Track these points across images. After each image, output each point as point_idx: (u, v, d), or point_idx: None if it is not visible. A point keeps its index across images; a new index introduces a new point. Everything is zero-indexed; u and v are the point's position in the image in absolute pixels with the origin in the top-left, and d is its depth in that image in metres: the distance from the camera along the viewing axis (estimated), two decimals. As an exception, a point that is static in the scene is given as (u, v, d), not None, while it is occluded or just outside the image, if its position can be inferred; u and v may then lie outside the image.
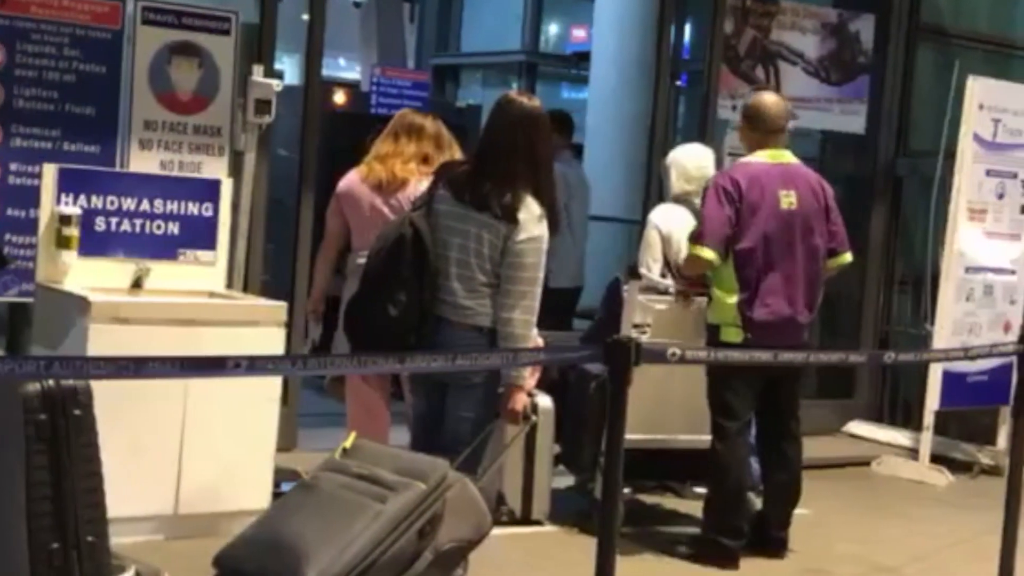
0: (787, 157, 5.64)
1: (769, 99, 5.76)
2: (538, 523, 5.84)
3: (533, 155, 4.55)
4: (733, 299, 5.49)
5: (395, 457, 4.12)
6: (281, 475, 5.69)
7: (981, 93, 7.49)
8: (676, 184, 6.17)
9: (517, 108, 4.62)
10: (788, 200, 5.52)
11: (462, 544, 3.96)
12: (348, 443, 4.14)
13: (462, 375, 4.47)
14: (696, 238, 5.52)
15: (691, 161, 6.16)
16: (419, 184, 5.41)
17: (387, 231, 4.66)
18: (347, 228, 5.65)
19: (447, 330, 4.52)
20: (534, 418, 4.62)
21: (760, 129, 5.67)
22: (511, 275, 4.49)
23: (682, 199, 6.14)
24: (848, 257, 5.76)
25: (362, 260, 5.41)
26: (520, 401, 4.56)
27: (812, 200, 5.57)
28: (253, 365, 3.49)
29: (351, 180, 5.63)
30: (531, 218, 4.50)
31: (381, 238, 4.64)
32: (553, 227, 4.58)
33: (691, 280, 5.86)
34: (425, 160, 5.55)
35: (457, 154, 5.58)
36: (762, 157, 5.61)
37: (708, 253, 5.46)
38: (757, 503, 5.78)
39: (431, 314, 4.52)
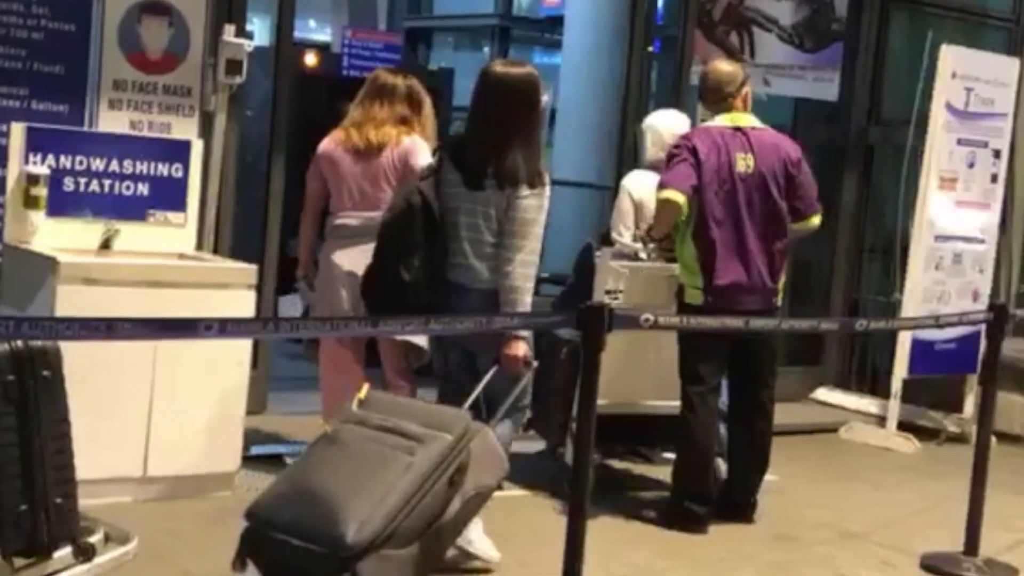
0: (747, 121, 5.63)
1: (714, 67, 5.80)
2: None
3: (528, 120, 4.71)
4: (695, 260, 5.53)
5: (415, 408, 4.21)
6: (251, 438, 5.69)
7: (954, 62, 7.50)
8: (651, 150, 6.17)
9: (507, 78, 4.74)
10: (745, 163, 5.53)
11: (485, 490, 4.06)
12: (362, 394, 4.19)
13: (488, 337, 4.59)
14: (662, 186, 5.52)
15: (667, 128, 6.14)
16: (398, 146, 5.47)
17: (396, 201, 4.81)
18: (326, 190, 5.64)
19: (458, 293, 4.65)
20: (535, 363, 4.69)
21: (709, 98, 5.72)
22: (511, 229, 4.62)
23: (656, 165, 6.12)
24: (816, 220, 5.74)
25: (340, 222, 5.51)
26: (520, 347, 4.61)
27: (773, 164, 5.56)
28: (224, 328, 3.46)
29: (329, 144, 5.62)
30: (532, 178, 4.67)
31: (390, 208, 4.80)
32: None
33: (660, 243, 5.89)
34: (403, 121, 5.56)
35: (430, 110, 5.65)
36: (721, 121, 5.63)
37: (676, 195, 5.43)
38: (723, 469, 5.81)
39: (442, 278, 4.65)
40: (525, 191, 4.62)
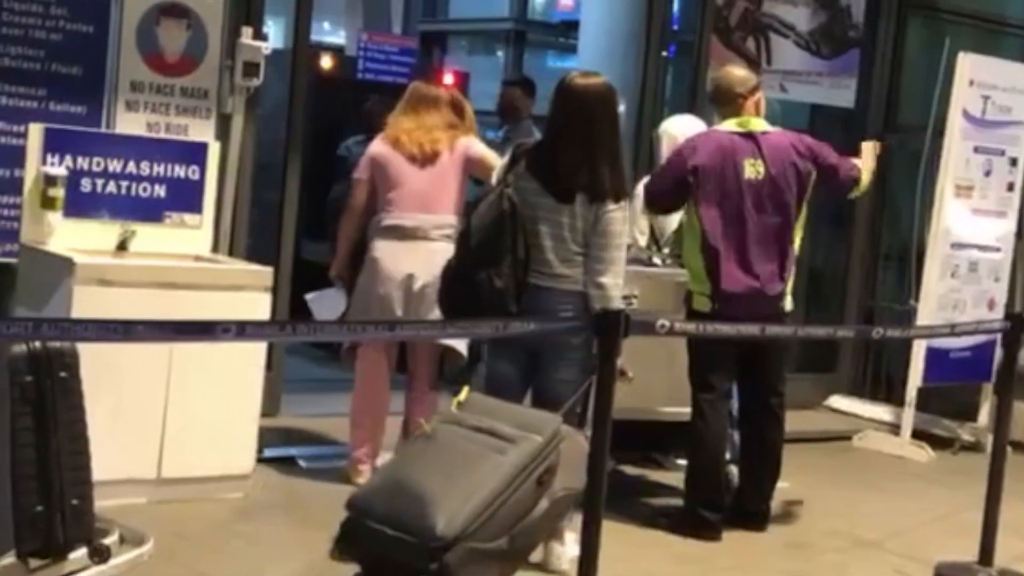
0: (757, 125, 5.63)
1: (726, 70, 5.86)
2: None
3: (611, 131, 4.82)
4: (701, 267, 5.52)
5: (508, 411, 4.34)
6: (265, 440, 5.68)
7: (971, 69, 7.48)
8: (666, 156, 6.15)
9: (592, 90, 4.83)
10: (754, 169, 5.52)
11: (573, 491, 4.14)
12: (462, 397, 4.34)
13: (562, 340, 4.72)
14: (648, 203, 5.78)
15: (683, 133, 6.10)
16: (454, 151, 5.58)
17: (482, 208, 4.81)
18: (374, 192, 5.66)
19: (545, 296, 4.74)
20: (631, 375, 4.72)
21: (718, 100, 5.75)
22: (602, 242, 4.74)
23: (671, 171, 6.12)
24: (864, 182, 5.77)
25: (393, 222, 5.57)
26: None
27: (784, 167, 5.55)
28: (242, 330, 3.46)
29: (382, 147, 5.68)
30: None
31: (477, 215, 4.81)
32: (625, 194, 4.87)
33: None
34: (452, 127, 5.67)
35: (472, 116, 5.76)
36: (730, 126, 5.63)
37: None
38: (736, 476, 5.79)
39: (527, 283, 4.73)
40: (612, 205, 4.75)
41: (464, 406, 4.30)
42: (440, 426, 4.25)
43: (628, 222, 4.84)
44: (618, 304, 4.74)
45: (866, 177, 5.79)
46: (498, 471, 4.00)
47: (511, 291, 4.69)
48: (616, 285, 4.78)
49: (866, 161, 5.86)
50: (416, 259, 5.49)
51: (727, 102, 5.66)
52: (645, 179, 6.33)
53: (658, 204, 5.76)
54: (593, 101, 4.81)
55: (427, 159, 5.61)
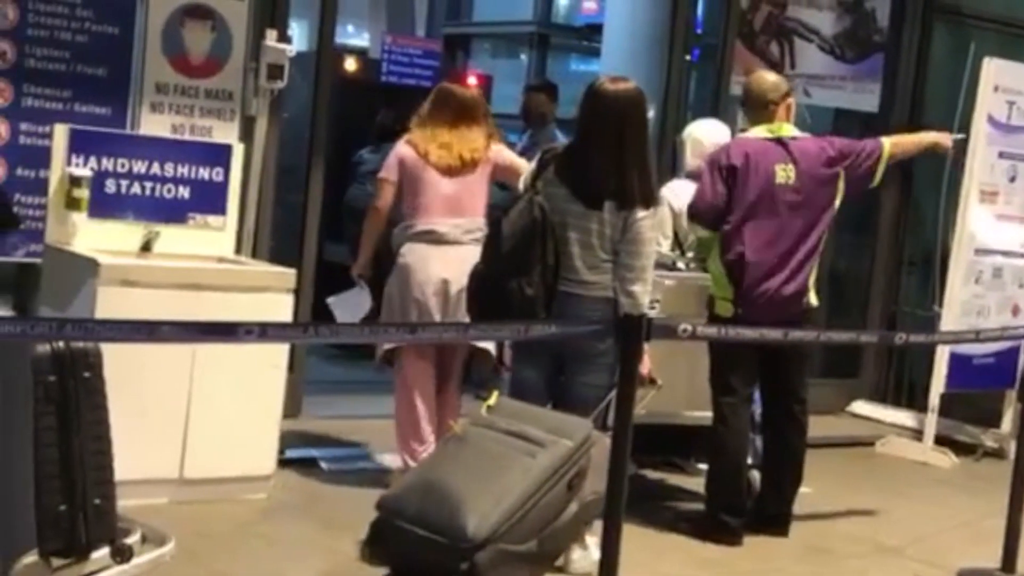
0: (788, 131, 5.61)
1: (758, 76, 5.84)
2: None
3: (639, 138, 4.80)
4: (724, 272, 5.52)
5: (538, 415, 4.40)
6: (286, 441, 5.70)
7: (996, 75, 7.45)
8: (691, 160, 6.15)
9: (622, 96, 4.80)
10: (785, 174, 5.50)
11: (602, 496, 4.15)
12: (492, 401, 4.40)
13: (588, 345, 4.69)
14: (691, 215, 5.69)
15: (707, 137, 6.12)
16: (489, 161, 5.61)
17: (513, 215, 4.77)
18: (398, 198, 5.67)
19: (574, 302, 4.73)
20: (660, 382, 4.72)
21: (750, 106, 5.73)
22: (632, 250, 4.74)
23: (695, 175, 6.10)
24: (883, 161, 5.71)
25: (426, 227, 5.56)
26: (644, 365, 4.63)
27: (816, 172, 5.54)
28: (265, 332, 3.47)
29: (413, 154, 5.63)
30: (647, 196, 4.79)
31: (508, 222, 4.77)
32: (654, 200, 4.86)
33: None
34: (489, 136, 5.70)
35: (489, 113, 5.79)
36: (760, 132, 5.61)
37: (699, 232, 5.72)
38: (758, 480, 5.78)
39: (557, 290, 4.72)
40: (641, 212, 4.73)
41: (494, 409, 4.34)
42: (471, 428, 4.30)
43: (657, 229, 4.82)
44: (646, 311, 4.73)
45: (888, 149, 5.72)
46: (529, 474, 4.04)
47: (541, 299, 4.67)
48: (646, 292, 4.78)
49: (919, 137, 6.04)
50: (448, 264, 5.47)
51: (759, 108, 5.64)
52: (671, 183, 6.36)
53: (702, 217, 5.62)
54: (624, 107, 4.78)
55: (466, 168, 5.60)
